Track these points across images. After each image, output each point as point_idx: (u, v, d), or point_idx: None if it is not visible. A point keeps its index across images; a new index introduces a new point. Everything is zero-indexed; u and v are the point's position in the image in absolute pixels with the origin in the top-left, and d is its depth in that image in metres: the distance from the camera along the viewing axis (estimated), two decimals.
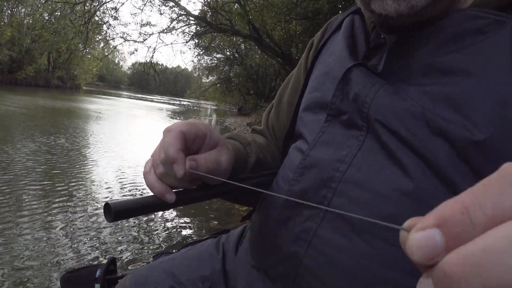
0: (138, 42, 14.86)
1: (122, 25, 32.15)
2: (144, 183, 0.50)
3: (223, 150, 0.50)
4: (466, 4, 0.45)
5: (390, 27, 0.48)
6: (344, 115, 0.48)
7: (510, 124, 0.36)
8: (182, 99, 44.95)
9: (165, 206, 0.47)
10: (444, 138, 0.39)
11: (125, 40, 14.82)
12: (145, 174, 0.47)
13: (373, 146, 0.44)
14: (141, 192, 3.54)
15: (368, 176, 0.43)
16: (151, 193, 0.47)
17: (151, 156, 0.48)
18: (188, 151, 0.46)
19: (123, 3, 16.48)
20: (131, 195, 3.43)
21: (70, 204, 2.92)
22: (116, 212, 0.42)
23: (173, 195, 0.45)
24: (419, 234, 0.16)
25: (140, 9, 25.65)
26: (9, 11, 24.92)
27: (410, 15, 0.43)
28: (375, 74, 0.46)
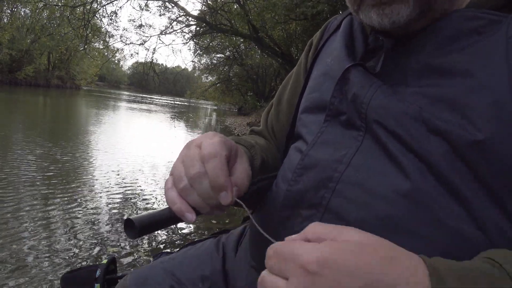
0: (138, 44, 14.86)
1: (122, 29, 32.40)
2: (146, 188, 0.48)
3: (243, 158, 0.49)
4: (463, 4, 0.45)
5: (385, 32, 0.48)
6: (343, 115, 0.48)
7: (506, 124, 0.36)
8: (182, 99, 44.94)
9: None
10: (441, 138, 0.39)
11: (125, 44, 14.82)
12: (167, 191, 0.45)
13: (372, 146, 0.44)
14: (139, 191, 3.54)
15: (366, 177, 0.43)
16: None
17: (171, 174, 0.46)
18: None
19: (121, 7, 16.49)
20: (131, 193, 3.43)
21: (70, 204, 2.92)
22: (141, 228, 0.39)
23: (193, 214, 0.43)
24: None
25: (140, 9, 25.62)
26: (8, 11, 24.90)
27: (393, 29, 0.44)
28: (373, 75, 0.46)
